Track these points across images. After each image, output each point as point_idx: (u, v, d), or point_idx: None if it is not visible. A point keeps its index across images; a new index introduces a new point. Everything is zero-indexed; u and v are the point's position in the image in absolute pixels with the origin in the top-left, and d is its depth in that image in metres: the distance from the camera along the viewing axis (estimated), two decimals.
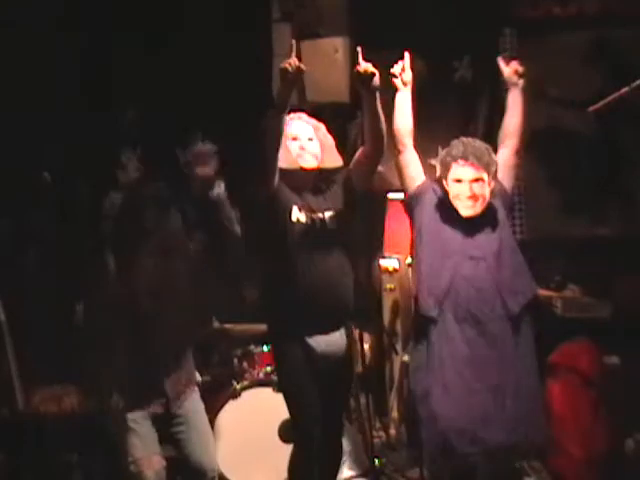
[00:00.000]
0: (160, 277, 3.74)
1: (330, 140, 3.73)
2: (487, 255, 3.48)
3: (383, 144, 3.61)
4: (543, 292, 4.43)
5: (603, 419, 4.19)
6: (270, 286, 3.65)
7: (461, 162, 3.52)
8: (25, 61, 4.78)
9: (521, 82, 3.67)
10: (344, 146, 5.05)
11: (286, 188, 3.58)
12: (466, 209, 3.51)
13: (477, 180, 3.50)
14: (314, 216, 3.59)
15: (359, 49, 3.45)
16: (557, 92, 5.08)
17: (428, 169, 5.05)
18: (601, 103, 4.57)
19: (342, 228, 3.64)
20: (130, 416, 3.67)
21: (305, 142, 3.64)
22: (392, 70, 3.67)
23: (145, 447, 3.64)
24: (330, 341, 3.57)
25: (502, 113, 3.75)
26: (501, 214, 3.58)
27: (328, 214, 3.62)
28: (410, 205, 3.66)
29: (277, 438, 4.22)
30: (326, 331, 3.56)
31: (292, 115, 3.69)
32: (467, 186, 3.50)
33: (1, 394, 4.17)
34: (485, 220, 3.54)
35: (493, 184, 3.54)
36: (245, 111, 5.07)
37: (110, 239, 3.82)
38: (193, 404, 3.83)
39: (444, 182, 3.58)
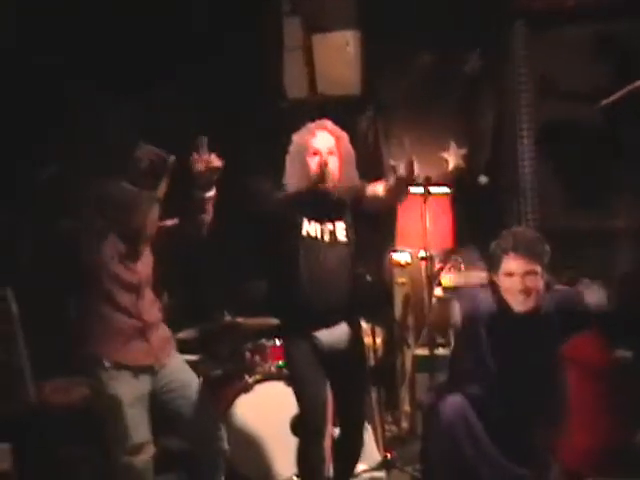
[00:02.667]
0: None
1: (351, 153, 3.70)
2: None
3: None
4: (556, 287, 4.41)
5: (612, 411, 4.18)
6: (275, 283, 3.73)
7: (512, 254, 3.42)
8: None
9: None
10: (355, 139, 5.07)
11: (296, 200, 3.60)
12: (519, 304, 3.42)
13: (529, 273, 3.41)
14: (324, 227, 3.62)
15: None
16: (566, 86, 5.05)
17: (438, 161, 5.10)
18: (612, 97, 4.56)
19: (352, 237, 3.67)
20: (125, 400, 3.59)
21: (325, 157, 3.61)
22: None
23: (137, 434, 3.58)
24: (333, 334, 3.63)
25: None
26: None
27: (339, 225, 3.64)
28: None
29: (289, 432, 4.22)
30: (328, 325, 3.63)
31: (317, 123, 3.68)
32: (519, 279, 3.42)
33: (13, 385, 4.18)
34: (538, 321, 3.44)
35: (546, 277, 3.44)
36: (253, 107, 5.08)
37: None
38: (179, 362, 3.76)
39: (494, 276, 3.48)
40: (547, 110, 5.07)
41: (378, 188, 3.61)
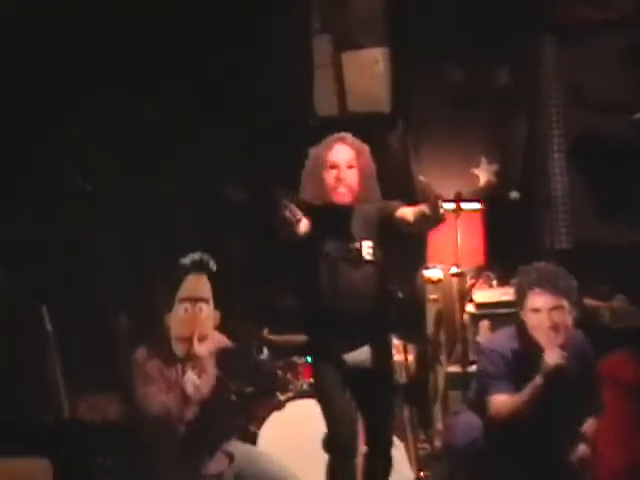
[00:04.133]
0: None
1: (371, 167, 3.57)
2: None
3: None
4: (590, 302, 4.37)
5: None
6: (302, 303, 3.64)
7: (537, 290, 3.35)
8: None
9: None
10: (385, 156, 5.07)
11: (317, 220, 3.45)
12: (546, 341, 3.33)
13: (556, 308, 3.34)
14: (349, 246, 3.47)
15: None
16: (597, 99, 5.03)
17: (469, 177, 5.08)
18: None
19: (380, 255, 3.51)
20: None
21: (343, 171, 3.47)
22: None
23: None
24: (359, 354, 3.52)
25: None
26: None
27: (365, 243, 3.48)
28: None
29: (321, 449, 4.20)
30: (355, 345, 3.51)
31: (336, 136, 3.57)
32: (546, 315, 3.35)
33: (47, 401, 4.22)
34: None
35: (575, 312, 3.38)
36: (285, 124, 5.10)
37: None
38: None
39: (521, 312, 3.42)
40: (578, 124, 5.06)
41: (408, 213, 3.44)
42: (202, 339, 3.78)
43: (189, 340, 3.75)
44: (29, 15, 4.75)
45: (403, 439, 4.50)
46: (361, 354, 3.54)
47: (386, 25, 5.24)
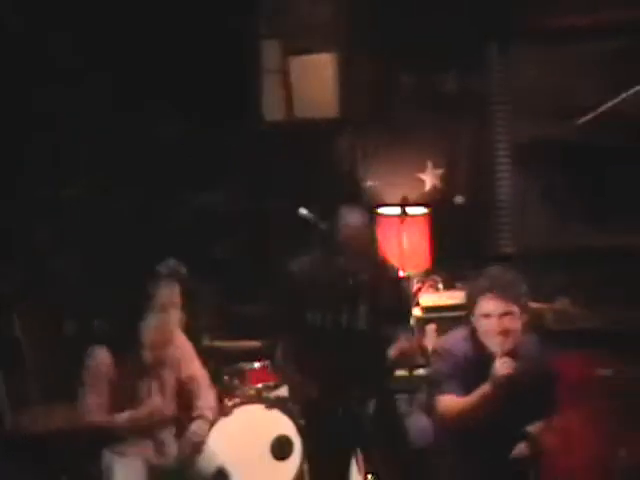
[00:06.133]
0: None
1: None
2: None
3: None
4: (534, 305, 4.42)
5: (598, 430, 4.18)
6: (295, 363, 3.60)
7: (488, 295, 3.36)
8: None
9: None
10: (333, 161, 5.09)
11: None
12: (496, 346, 3.34)
13: (507, 314, 3.35)
14: (340, 317, 3.47)
15: None
16: (543, 105, 5.08)
17: (416, 183, 5.11)
18: (590, 115, 4.59)
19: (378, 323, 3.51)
20: None
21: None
22: None
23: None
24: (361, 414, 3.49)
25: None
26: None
27: (362, 308, 3.50)
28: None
29: (269, 455, 4.20)
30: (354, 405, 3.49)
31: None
32: (496, 321, 3.35)
33: None
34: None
35: (525, 317, 3.40)
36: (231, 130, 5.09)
37: None
38: None
39: (472, 318, 3.42)
40: (524, 129, 5.10)
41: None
42: (169, 344, 3.81)
43: (159, 346, 3.76)
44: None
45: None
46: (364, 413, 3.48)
47: (335, 30, 5.24)
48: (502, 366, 3.29)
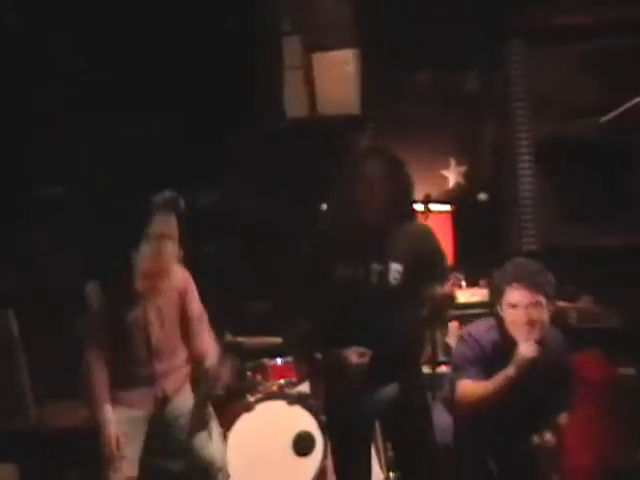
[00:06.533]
0: None
1: (409, 181, 3.25)
2: None
3: None
4: (558, 303, 4.40)
5: (616, 430, 4.17)
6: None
7: (515, 285, 3.36)
8: None
9: None
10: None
11: (333, 237, 3.14)
12: (523, 336, 3.33)
13: (533, 304, 3.35)
14: (371, 268, 3.13)
15: None
16: (564, 103, 5.07)
17: (439, 179, 5.11)
18: (612, 114, 4.57)
19: (410, 283, 3.16)
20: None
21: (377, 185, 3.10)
22: None
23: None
24: (385, 393, 3.25)
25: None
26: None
27: (394, 266, 3.15)
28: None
29: (291, 451, 4.21)
30: (379, 384, 3.23)
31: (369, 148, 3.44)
32: (523, 311, 3.35)
33: (15, 407, 4.18)
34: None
35: (551, 307, 3.38)
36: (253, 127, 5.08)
37: None
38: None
39: (498, 308, 3.42)
40: (545, 127, 5.09)
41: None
42: (165, 274, 3.70)
43: (153, 275, 3.67)
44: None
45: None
46: (387, 393, 3.25)
47: (356, 27, 5.24)
48: (527, 349, 3.29)
